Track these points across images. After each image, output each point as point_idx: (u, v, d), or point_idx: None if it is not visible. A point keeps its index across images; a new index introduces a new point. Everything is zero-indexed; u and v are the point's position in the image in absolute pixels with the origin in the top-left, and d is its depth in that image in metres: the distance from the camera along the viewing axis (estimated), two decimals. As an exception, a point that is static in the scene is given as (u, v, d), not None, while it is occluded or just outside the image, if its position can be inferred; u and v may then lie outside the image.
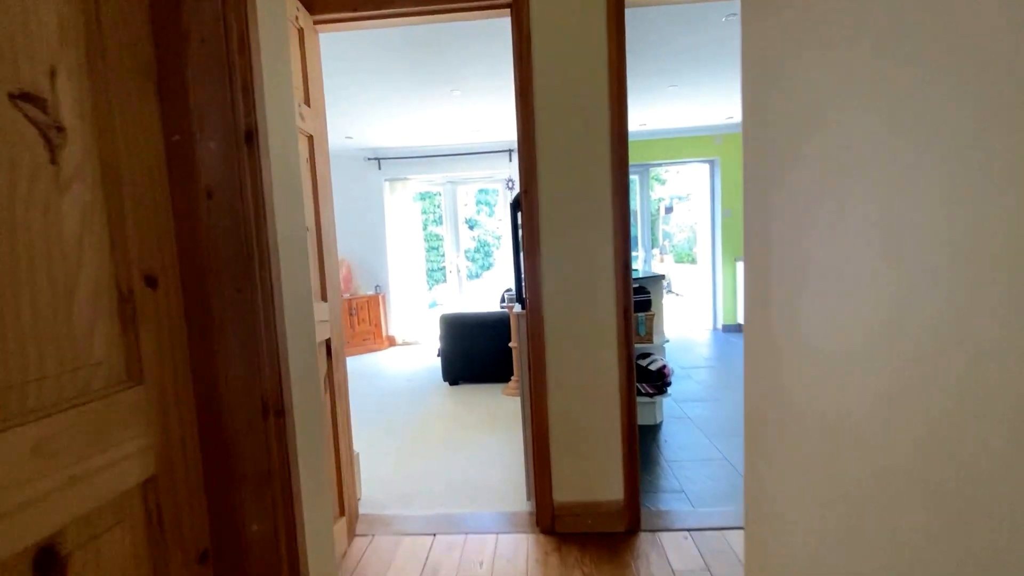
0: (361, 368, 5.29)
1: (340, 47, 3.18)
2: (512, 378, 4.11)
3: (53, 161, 0.60)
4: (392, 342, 6.46)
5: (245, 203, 0.78)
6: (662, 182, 12.42)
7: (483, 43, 3.20)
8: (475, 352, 4.29)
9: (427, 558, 1.84)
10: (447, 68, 3.59)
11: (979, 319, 0.55)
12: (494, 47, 3.26)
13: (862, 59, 0.71)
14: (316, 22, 1.89)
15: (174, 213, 0.77)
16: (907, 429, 0.67)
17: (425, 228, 8.79)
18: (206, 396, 0.79)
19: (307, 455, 0.92)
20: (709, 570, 1.71)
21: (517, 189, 1.90)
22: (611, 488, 1.97)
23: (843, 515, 0.83)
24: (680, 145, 6.00)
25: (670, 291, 10.50)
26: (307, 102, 1.80)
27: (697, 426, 3.07)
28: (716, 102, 4.82)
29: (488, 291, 7.88)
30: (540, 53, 1.82)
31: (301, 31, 1.79)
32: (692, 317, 7.01)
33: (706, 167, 6.20)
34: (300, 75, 1.78)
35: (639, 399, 2.94)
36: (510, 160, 6.07)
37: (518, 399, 3.47)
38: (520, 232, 1.99)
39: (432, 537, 1.98)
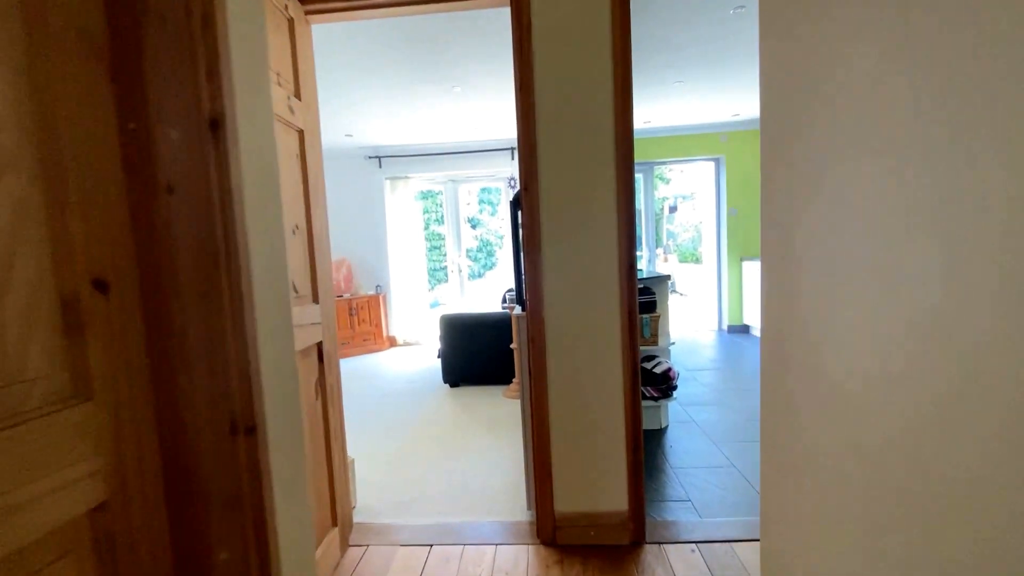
0: (361, 369, 5.22)
1: (338, 43, 3.10)
2: (513, 380, 4.04)
3: (-23, 150, 0.52)
4: (393, 342, 6.39)
5: (211, 198, 0.71)
6: (666, 181, 12.31)
7: (483, 38, 3.12)
8: (476, 353, 4.22)
9: (423, 570, 1.77)
10: (447, 64, 3.51)
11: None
12: (494, 43, 3.18)
13: (905, 42, 0.63)
14: (307, 12, 1.82)
15: (130, 210, 0.70)
16: (938, 445, 0.59)
17: (427, 227, 8.73)
18: (167, 413, 0.72)
19: (284, 474, 0.84)
20: (718, 586, 1.63)
21: (518, 188, 1.82)
22: (615, 498, 1.89)
23: (865, 530, 0.75)
24: (685, 143, 5.91)
25: (674, 291, 10.40)
26: (298, 95, 1.72)
27: (703, 431, 2.98)
28: (722, 99, 4.72)
29: (491, 290, 7.81)
30: (541, 44, 1.74)
31: (291, 21, 1.71)
32: (697, 318, 6.92)
33: (711, 165, 6.10)
34: (290, 67, 1.70)
35: (643, 403, 2.86)
36: (512, 158, 5.99)
37: (519, 402, 3.39)
38: (520, 231, 1.91)
39: (428, 548, 1.90)
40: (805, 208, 0.85)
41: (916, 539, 0.66)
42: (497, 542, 1.92)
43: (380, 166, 6.17)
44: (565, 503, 1.91)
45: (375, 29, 2.96)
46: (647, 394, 2.90)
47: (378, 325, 6.13)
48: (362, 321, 6.03)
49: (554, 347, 1.86)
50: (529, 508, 2.07)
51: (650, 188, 6.34)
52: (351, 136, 5.53)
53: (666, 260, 11.49)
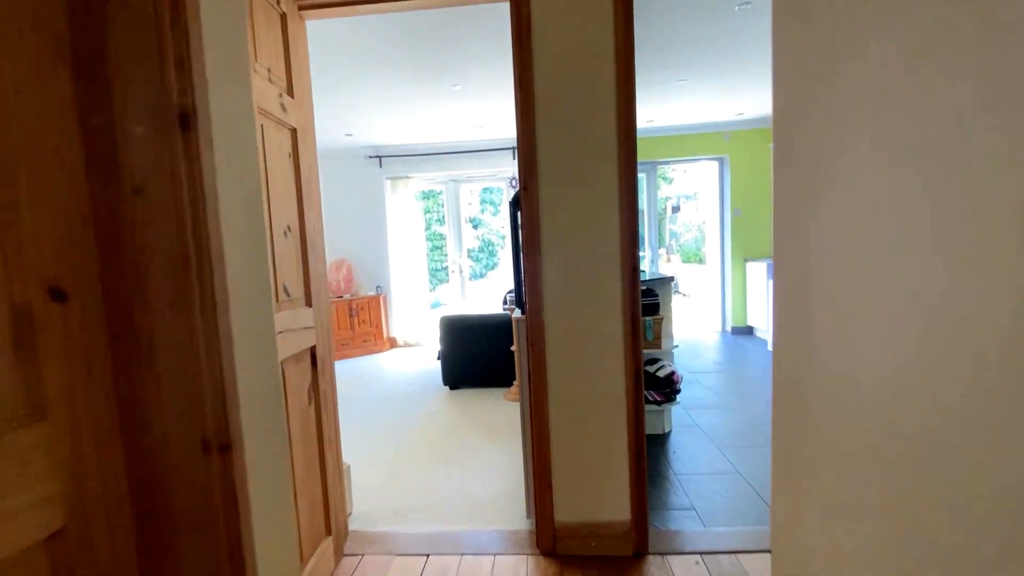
0: (361, 370, 5.18)
1: (338, 41, 3.05)
2: (514, 383, 3.98)
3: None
4: (393, 343, 6.35)
5: (181, 199, 0.66)
6: (669, 181, 12.24)
7: (484, 37, 3.07)
8: (476, 355, 4.17)
9: (418, 582, 1.72)
10: (448, 62, 3.46)
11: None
12: (495, 41, 3.13)
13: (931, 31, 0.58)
14: (301, 7, 1.77)
15: (93, 213, 0.64)
16: (961, 451, 0.53)
17: (428, 227, 8.69)
18: (133, 432, 0.67)
19: (265, 493, 0.79)
20: (723, 601, 1.57)
21: (518, 187, 1.77)
22: (617, 507, 1.83)
23: (880, 540, 0.70)
24: (688, 142, 5.84)
25: (677, 291, 10.33)
26: (290, 93, 1.68)
27: (707, 435, 2.92)
28: (726, 97, 4.66)
29: (493, 291, 7.76)
30: (541, 38, 1.69)
31: (283, 16, 1.66)
32: (700, 319, 6.85)
33: (715, 165, 6.04)
34: (283, 64, 1.65)
35: (646, 407, 2.80)
36: (513, 158, 5.94)
37: (519, 405, 3.34)
38: (520, 232, 1.86)
39: (425, 558, 1.85)
40: (819, 205, 0.80)
41: (939, 548, 0.60)
42: (495, 552, 1.87)
43: (381, 166, 6.13)
44: (565, 512, 1.85)
45: (374, 27, 2.91)
46: (650, 398, 2.84)
47: (378, 326, 6.08)
48: (362, 322, 5.98)
49: (554, 351, 1.81)
50: (529, 516, 2.02)
51: (653, 188, 6.27)
52: (351, 135, 5.49)
53: (669, 260, 11.42)
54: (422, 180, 6.44)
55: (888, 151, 0.67)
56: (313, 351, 1.74)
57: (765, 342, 5.36)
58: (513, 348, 3.78)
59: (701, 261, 9.93)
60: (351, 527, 2.09)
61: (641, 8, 2.73)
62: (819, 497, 0.89)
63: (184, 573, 0.69)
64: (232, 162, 0.76)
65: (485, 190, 10.24)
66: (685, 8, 2.83)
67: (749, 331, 5.92)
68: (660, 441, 2.87)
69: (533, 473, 1.87)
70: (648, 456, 2.64)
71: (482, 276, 10.47)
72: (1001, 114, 0.50)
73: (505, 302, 4.58)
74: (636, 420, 1.80)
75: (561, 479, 1.84)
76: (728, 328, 6.08)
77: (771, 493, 1.08)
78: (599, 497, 1.83)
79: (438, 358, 4.30)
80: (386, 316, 6.28)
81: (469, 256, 6.85)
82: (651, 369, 2.89)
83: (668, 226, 12.52)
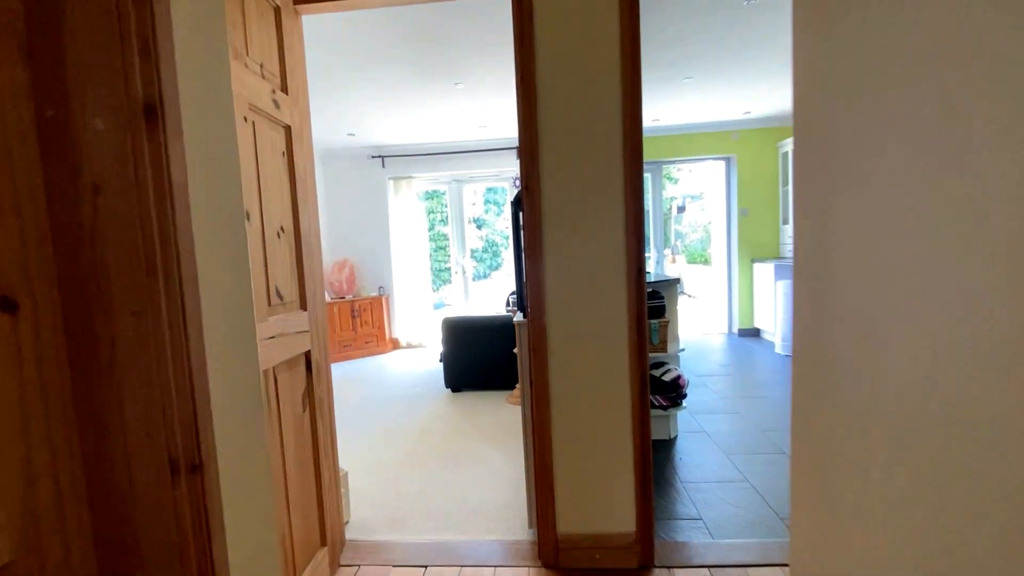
0: (362, 372, 5.13)
1: (339, 39, 3.00)
2: (517, 386, 3.92)
3: None
4: (396, 344, 6.30)
5: (145, 199, 0.60)
6: (674, 181, 12.14)
7: (486, 35, 3.01)
8: (478, 358, 4.11)
9: (416, 595, 1.66)
10: (449, 60, 3.40)
11: None
12: (497, 39, 3.07)
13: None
14: (296, 1, 1.72)
15: (49, 214, 0.59)
16: (1008, 462, 0.47)
17: (432, 228, 8.64)
18: (94, 453, 0.61)
19: (241, 517, 0.73)
20: (733, 618, 1.50)
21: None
22: (622, 518, 1.77)
23: (914, 556, 0.64)
24: (694, 141, 5.76)
25: (682, 292, 10.24)
26: (284, 89, 1.62)
27: (714, 441, 2.85)
28: (734, 96, 4.58)
29: (496, 291, 7.70)
30: (544, 32, 1.63)
31: (278, 9, 1.61)
32: (706, 320, 6.77)
33: (721, 164, 5.95)
34: (276, 59, 1.60)
35: (651, 412, 2.73)
36: (517, 157, 5.87)
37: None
38: (521, 233, 1.80)
39: (423, 570, 1.79)
40: (847, 204, 0.73)
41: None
42: (496, 563, 1.81)
43: (383, 166, 6.08)
44: (568, 522, 1.79)
45: (375, 25, 2.85)
46: (656, 403, 2.78)
47: (381, 327, 6.04)
48: (365, 323, 5.94)
49: (557, 356, 1.75)
50: (531, 526, 1.96)
51: (658, 188, 6.20)
52: (354, 135, 5.45)
53: (674, 261, 11.32)
54: (425, 180, 6.39)
55: (926, 149, 0.60)
56: (308, 356, 1.69)
57: (772, 344, 5.27)
58: (516, 351, 3.73)
59: (707, 262, 9.83)
60: (348, 536, 2.03)
61: (647, 2, 2.66)
62: (846, 511, 0.83)
63: (151, 605, 0.64)
64: (207, 158, 0.71)
65: (489, 190, 10.19)
66: (693, 3, 2.76)
67: (756, 333, 5.83)
68: (666, 447, 2.80)
69: (535, 482, 1.81)
70: (653, 463, 2.57)
71: (486, 277, 10.41)
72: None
73: (508, 304, 4.52)
74: (642, 427, 1.74)
75: (564, 488, 1.78)
76: (735, 330, 6.00)
77: (791, 506, 1.02)
78: (603, 507, 1.77)
79: (440, 360, 4.25)
80: (389, 317, 6.23)
81: (472, 257, 6.79)
82: (656, 373, 2.82)
83: (673, 226, 12.43)
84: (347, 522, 2.13)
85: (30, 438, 0.56)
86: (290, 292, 1.59)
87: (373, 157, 6.07)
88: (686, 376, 2.95)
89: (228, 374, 0.73)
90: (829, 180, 0.73)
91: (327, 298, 5.84)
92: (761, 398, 3.56)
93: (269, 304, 1.44)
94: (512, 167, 5.99)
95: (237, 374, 0.75)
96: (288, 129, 1.63)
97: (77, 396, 0.60)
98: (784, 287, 4.84)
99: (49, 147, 0.59)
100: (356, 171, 6.12)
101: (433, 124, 5.13)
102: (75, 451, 0.61)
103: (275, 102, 1.53)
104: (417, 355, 5.84)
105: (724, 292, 6.09)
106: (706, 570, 1.71)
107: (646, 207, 6.34)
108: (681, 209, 12.36)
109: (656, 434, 2.87)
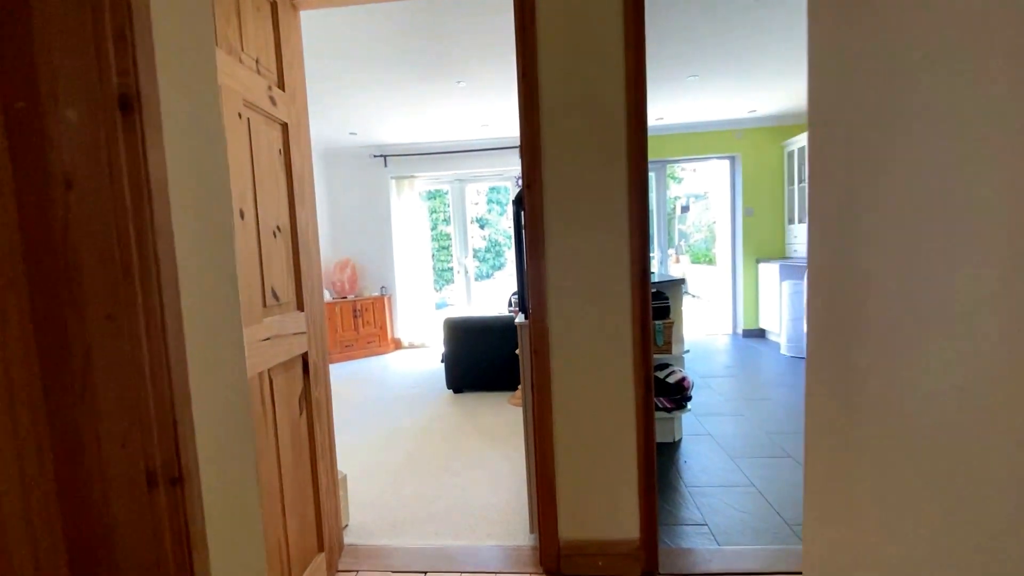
0: (364, 372, 5.11)
1: (339, 38, 2.97)
2: (519, 387, 3.88)
3: None
4: (398, 345, 6.28)
5: (120, 195, 0.57)
6: (678, 180, 12.08)
7: (487, 34, 2.98)
8: (480, 358, 4.08)
9: (415, 602, 1.63)
10: (451, 58, 3.37)
11: None
12: (498, 38, 3.04)
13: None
14: (293, -4, 1.68)
15: (18, 211, 0.56)
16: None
17: (435, 227, 8.61)
18: (67, 465, 0.58)
19: (226, 531, 0.70)
20: (740, 628, 1.46)
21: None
22: (625, 524, 1.73)
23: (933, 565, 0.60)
24: (699, 140, 5.71)
25: (687, 292, 10.18)
26: (281, 86, 1.59)
27: (719, 444, 2.81)
28: (739, 94, 4.53)
29: (499, 291, 7.67)
30: (546, 26, 1.59)
31: (275, 5, 1.58)
32: (710, 321, 6.71)
33: (726, 163, 5.90)
34: (273, 55, 1.57)
35: (656, 415, 2.69)
36: (520, 156, 5.84)
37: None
38: (523, 233, 1.76)
39: None
40: (872, 205, 0.69)
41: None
42: (496, 570, 1.77)
43: (385, 165, 6.06)
44: (570, 528, 1.75)
45: (376, 24, 2.82)
46: (660, 405, 2.73)
47: (383, 327, 6.01)
48: (367, 323, 5.91)
49: (559, 358, 1.71)
50: (532, 531, 1.92)
51: (663, 187, 6.15)
52: (355, 134, 5.42)
53: (678, 261, 11.26)
54: (427, 179, 6.36)
55: (959, 146, 0.56)
56: (305, 358, 1.66)
57: (778, 345, 5.21)
58: (518, 351, 3.69)
59: (711, 262, 9.77)
60: (347, 540, 2.00)
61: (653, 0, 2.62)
62: (867, 522, 0.79)
63: (128, 625, 0.60)
64: (190, 153, 0.67)
65: (492, 189, 10.16)
66: (698, 0, 2.71)
67: (761, 334, 5.77)
68: (670, 450, 2.76)
69: (536, 486, 1.77)
70: (657, 466, 2.53)
71: (488, 276, 10.38)
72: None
73: (510, 304, 4.49)
74: (646, 430, 1.70)
75: (566, 492, 1.74)
76: (739, 331, 5.94)
77: (804, 515, 0.98)
78: (606, 512, 1.73)
79: (441, 361, 4.22)
80: (391, 317, 6.21)
81: (475, 256, 6.76)
82: (661, 375, 2.78)
83: (677, 226, 12.36)
84: (346, 526, 2.10)
85: (-4, 449, 0.53)
86: (286, 292, 1.56)
87: (375, 156, 6.05)
88: (691, 377, 2.91)
89: (213, 381, 0.69)
90: (852, 176, 0.69)
91: (328, 298, 5.81)
92: (766, 400, 3.51)
93: (264, 305, 1.41)
94: (515, 166, 5.95)
95: (222, 381, 0.72)
96: (285, 126, 1.60)
97: (48, 405, 0.57)
98: (789, 287, 4.78)
99: (18, 140, 0.56)
100: (358, 171, 6.09)
101: (435, 123, 5.09)
102: (46, 463, 0.57)
103: (271, 99, 1.50)
104: (419, 355, 5.82)
105: (728, 292, 6.03)
106: (712, 578, 1.67)
107: (650, 207, 6.30)
108: (685, 209, 12.30)
109: (660, 437, 2.83)
